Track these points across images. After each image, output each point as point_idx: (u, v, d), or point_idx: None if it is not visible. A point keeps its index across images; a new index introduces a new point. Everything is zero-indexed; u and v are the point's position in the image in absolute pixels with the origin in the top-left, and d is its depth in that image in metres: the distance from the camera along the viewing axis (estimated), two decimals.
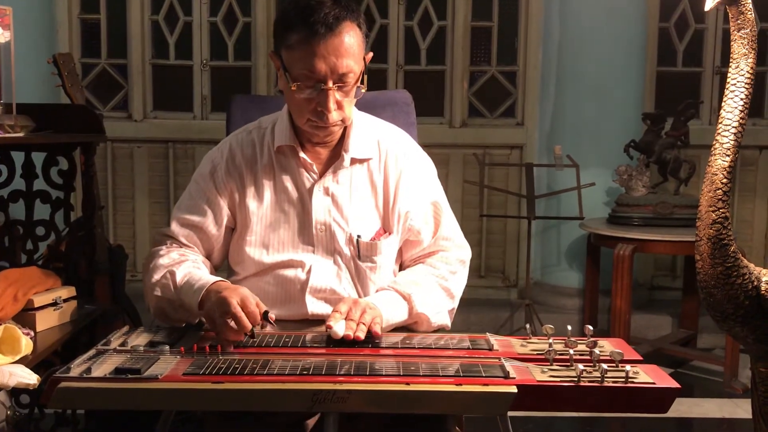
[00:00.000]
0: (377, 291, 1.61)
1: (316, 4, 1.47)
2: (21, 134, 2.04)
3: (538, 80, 4.06)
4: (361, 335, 1.39)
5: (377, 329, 1.42)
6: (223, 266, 1.73)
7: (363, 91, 1.55)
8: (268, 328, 1.45)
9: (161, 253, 1.60)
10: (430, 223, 1.68)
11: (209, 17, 4.08)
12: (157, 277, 1.55)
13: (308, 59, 1.46)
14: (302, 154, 1.61)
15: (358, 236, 1.60)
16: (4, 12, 2.02)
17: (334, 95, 1.49)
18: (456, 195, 4.03)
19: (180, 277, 1.52)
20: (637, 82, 3.85)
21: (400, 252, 1.71)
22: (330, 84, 1.48)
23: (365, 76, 1.54)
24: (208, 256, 1.67)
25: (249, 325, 1.36)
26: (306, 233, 1.61)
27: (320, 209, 1.60)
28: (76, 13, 4.05)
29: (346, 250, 1.61)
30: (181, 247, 1.63)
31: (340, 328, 1.39)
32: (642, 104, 3.88)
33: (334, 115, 1.51)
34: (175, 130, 4.09)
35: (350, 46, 1.48)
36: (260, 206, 1.61)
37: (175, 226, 1.64)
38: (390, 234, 1.64)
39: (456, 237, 1.71)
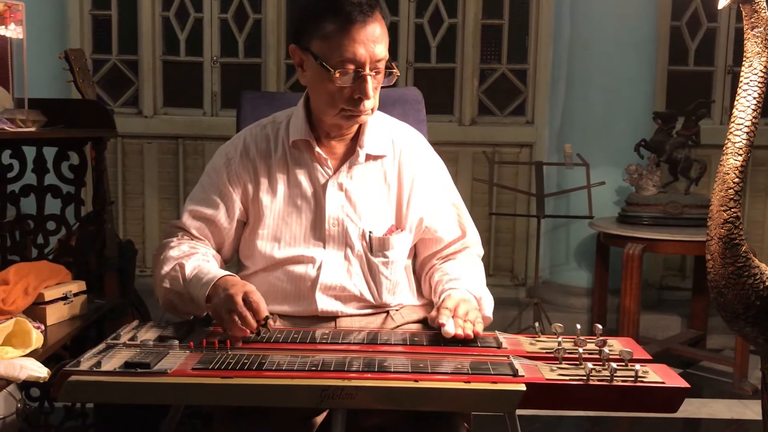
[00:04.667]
0: (450, 288, 1.57)
1: None
2: (32, 129, 2.05)
3: (549, 78, 4.05)
4: (470, 332, 1.41)
5: (479, 329, 1.44)
6: (233, 261, 1.73)
7: (398, 74, 1.56)
8: (277, 324, 1.45)
9: (172, 245, 1.60)
10: (453, 223, 1.70)
11: (220, 14, 4.09)
12: (166, 269, 1.55)
13: (349, 46, 1.47)
14: (317, 149, 1.61)
15: (370, 232, 1.60)
16: (17, 8, 2.03)
17: (372, 81, 1.51)
18: (465, 193, 4.01)
19: (189, 269, 1.52)
20: (648, 81, 3.83)
21: (414, 249, 1.72)
22: (367, 70, 1.49)
23: (393, 63, 1.56)
24: (219, 250, 1.67)
25: (254, 324, 1.39)
26: (318, 228, 1.61)
27: (334, 205, 1.60)
28: (88, 9, 4.06)
29: (358, 245, 1.61)
30: (192, 239, 1.63)
31: (451, 327, 1.41)
32: (653, 103, 3.86)
33: (371, 102, 1.53)
34: (185, 126, 4.10)
35: (382, 33, 1.51)
36: (273, 200, 1.61)
37: (186, 218, 1.64)
38: (402, 230, 1.64)
39: (475, 234, 1.74)
